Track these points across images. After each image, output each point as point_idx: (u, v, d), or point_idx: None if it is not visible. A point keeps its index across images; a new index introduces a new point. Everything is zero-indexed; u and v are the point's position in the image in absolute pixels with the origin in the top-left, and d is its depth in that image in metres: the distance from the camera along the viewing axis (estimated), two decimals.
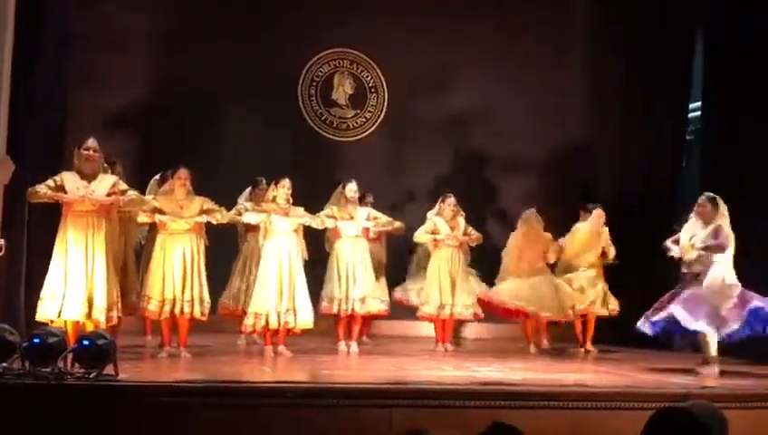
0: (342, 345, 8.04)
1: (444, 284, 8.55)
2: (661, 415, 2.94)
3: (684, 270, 7.18)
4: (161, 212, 7.08)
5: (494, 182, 10.36)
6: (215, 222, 7.26)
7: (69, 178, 6.59)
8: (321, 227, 8.04)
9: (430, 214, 8.75)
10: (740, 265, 7.14)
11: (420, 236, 8.68)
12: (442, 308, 8.56)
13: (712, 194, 7.20)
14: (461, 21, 10.12)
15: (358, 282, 8.04)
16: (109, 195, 6.62)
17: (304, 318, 7.45)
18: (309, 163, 9.60)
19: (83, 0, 8.96)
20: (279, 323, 7.37)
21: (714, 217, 7.14)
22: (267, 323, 7.37)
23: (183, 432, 4.99)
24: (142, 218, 7.15)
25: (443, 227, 8.61)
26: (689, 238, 7.16)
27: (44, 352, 5.21)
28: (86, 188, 6.56)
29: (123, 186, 6.80)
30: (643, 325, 7.17)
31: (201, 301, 7.08)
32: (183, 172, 7.20)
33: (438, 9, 10.08)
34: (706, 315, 6.85)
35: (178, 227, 7.07)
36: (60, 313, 6.39)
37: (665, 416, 2.94)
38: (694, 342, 7.15)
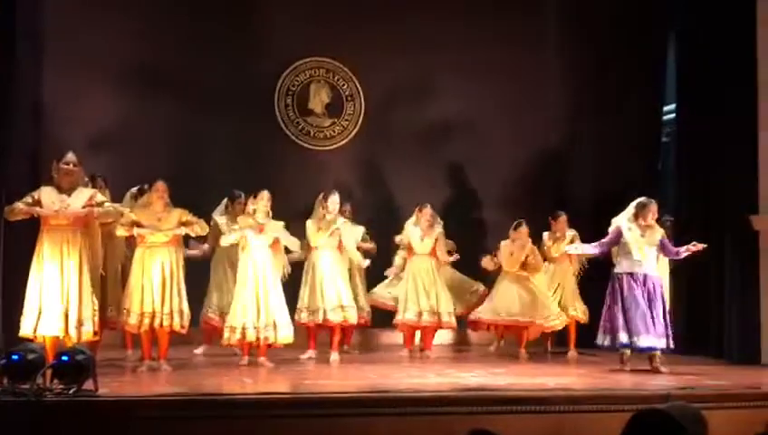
0: (309, 353, 8.01)
1: (420, 291, 8.61)
2: (640, 417, 2.98)
3: (619, 270, 7.33)
4: (139, 225, 7.06)
5: (472, 189, 10.38)
6: (193, 235, 7.26)
7: (46, 193, 6.58)
8: (294, 249, 8.00)
9: (408, 223, 8.81)
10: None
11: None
12: (420, 315, 8.61)
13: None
14: (437, 30, 10.13)
15: (329, 292, 7.96)
16: (84, 208, 6.61)
17: (285, 334, 7.43)
18: (286, 172, 9.58)
19: (58, 17, 8.87)
20: (257, 338, 7.35)
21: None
22: (244, 336, 7.36)
23: None
24: (120, 232, 7.11)
25: (414, 237, 8.67)
26: (639, 238, 7.27)
27: (24, 368, 5.19)
28: (62, 202, 6.54)
29: (101, 198, 6.80)
30: (605, 342, 7.38)
31: (181, 313, 7.05)
32: (161, 185, 7.17)
33: (414, 19, 10.07)
34: (653, 328, 7.13)
35: (157, 239, 7.04)
36: (35, 328, 6.38)
37: (643, 417, 2.97)
38: None
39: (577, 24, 10.36)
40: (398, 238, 8.93)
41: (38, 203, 6.53)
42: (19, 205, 6.49)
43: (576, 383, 6.67)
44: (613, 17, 9.96)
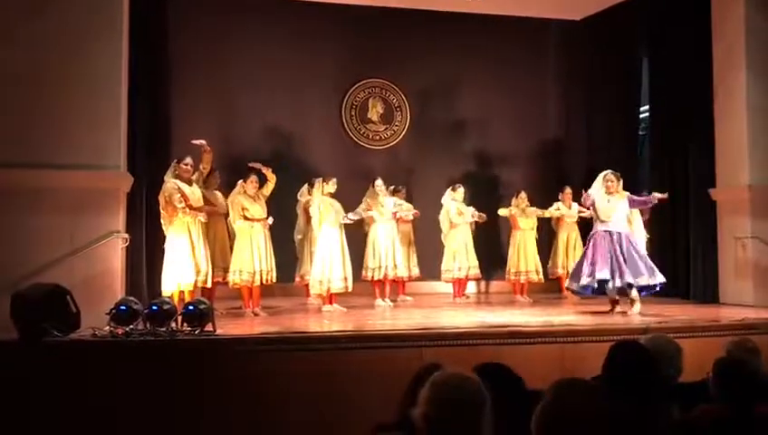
0: (379, 302, 7.92)
1: (461, 253, 8.56)
2: (617, 346, 2.88)
3: (601, 228, 6.78)
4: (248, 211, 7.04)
5: (491, 174, 10.21)
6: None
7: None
8: (363, 216, 7.93)
9: (445, 198, 8.72)
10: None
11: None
12: (460, 271, 8.58)
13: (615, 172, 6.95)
14: (461, 53, 9.98)
15: (389, 255, 7.89)
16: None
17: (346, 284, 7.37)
18: (351, 166, 9.49)
19: (179, 27, 8.64)
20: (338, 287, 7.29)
21: (618, 189, 6.91)
22: (329, 288, 7.31)
23: (265, 372, 4.98)
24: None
25: (462, 208, 8.64)
26: (606, 203, 6.82)
27: (160, 315, 5.25)
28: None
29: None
30: (572, 286, 6.91)
31: (270, 272, 7.04)
32: (254, 177, 7.15)
33: (443, 49, 9.92)
34: (626, 270, 6.62)
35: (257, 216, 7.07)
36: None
37: (620, 346, 2.87)
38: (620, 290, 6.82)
39: (574, 53, 10.20)
40: (444, 229, 8.73)
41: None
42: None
43: (576, 320, 6.51)
44: (601, 45, 9.84)
